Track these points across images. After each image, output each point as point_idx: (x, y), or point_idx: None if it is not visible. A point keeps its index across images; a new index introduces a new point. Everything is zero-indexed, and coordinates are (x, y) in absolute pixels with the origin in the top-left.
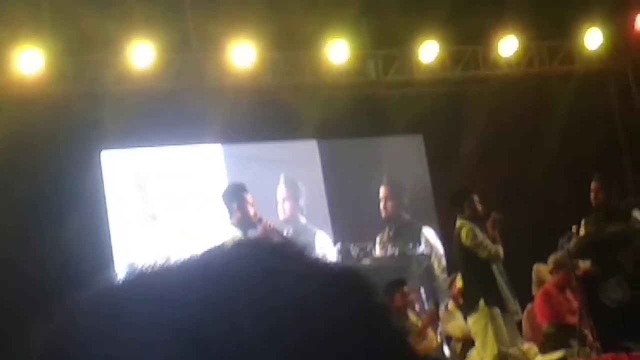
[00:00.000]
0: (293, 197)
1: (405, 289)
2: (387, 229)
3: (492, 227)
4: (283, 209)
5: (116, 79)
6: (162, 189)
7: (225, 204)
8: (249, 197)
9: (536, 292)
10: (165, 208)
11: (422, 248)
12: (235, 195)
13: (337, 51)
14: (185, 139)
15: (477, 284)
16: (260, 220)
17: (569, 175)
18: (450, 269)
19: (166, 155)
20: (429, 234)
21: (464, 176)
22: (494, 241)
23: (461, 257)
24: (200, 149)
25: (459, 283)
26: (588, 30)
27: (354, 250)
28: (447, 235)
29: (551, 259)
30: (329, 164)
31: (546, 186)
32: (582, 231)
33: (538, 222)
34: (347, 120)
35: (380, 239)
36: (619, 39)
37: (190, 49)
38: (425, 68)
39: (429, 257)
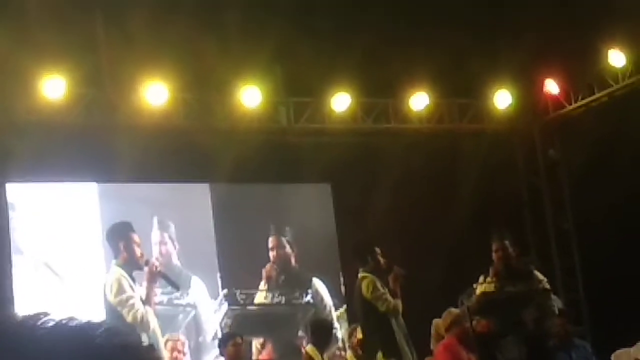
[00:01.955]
0: (167, 240)
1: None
2: (274, 277)
3: (394, 282)
4: (159, 252)
5: (26, 110)
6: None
7: (110, 243)
8: (135, 237)
9: (434, 346)
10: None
11: (308, 297)
12: (122, 234)
13: (250, 96)
14: (90, 176)
15: (376, 336)
16: (147, 262)
17: (474, 231)
18: (351, 320)
19: (68, 191)
20: (319, 285)
21: (370, 228)
22: (394, 295)
23: (361, 308)
24: (105, 187)
25: (359, 334)
26: (497, 90)
27: (241, 296)
28: (351, 285)
29: (445, 315)
30: (221, 208)
31: (452, 241)
32: (480, 288)
33: (442, 278)
34: (256, 165)
35: (265, 287)
36: (527, 101)
37: (103, 85)
38: (337, 118)
39: (315, 306)
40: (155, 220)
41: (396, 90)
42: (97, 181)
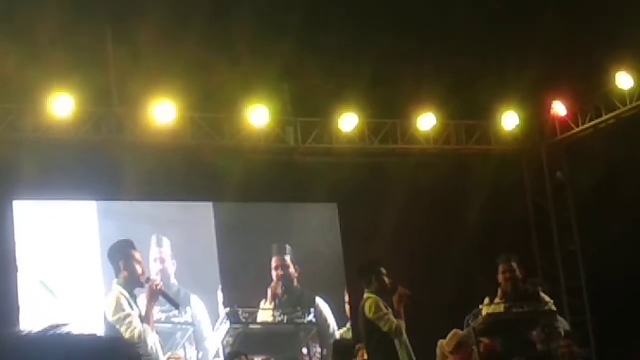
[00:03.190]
0: (165, 257)
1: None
2: (276, 296)
3: (398, 302)
4: (158, 270)
5: (34, 128)
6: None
7: (111, 262)
8: (137, 255)
9: None
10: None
11: (311, 317)
12: (122, 252)
13: (257, 115)
14: (96, 194)
15: (379, 357)
16: (147, 279)
17: (481, 252)
18: (356, 340)
19: (69, 208)
20: (322, 304)
21: (376, 247)
22: (397, 315)
23: (364, 329)
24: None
25: (364, 354)
26: (505, 112)
27: (243, 315)
28: (356, 305)
29: (450, 335)
30: (224, 226)
31: (459, 262)
32: (486, 309)
33: (448, 298)
34: (263, 184)
35: (267, 305)
36: (534, 122)
37: (111, 102)
38: (344, 138)
39: (317, 325)
40: (153, 237)
41: (403, 110)
42: (103, 199)
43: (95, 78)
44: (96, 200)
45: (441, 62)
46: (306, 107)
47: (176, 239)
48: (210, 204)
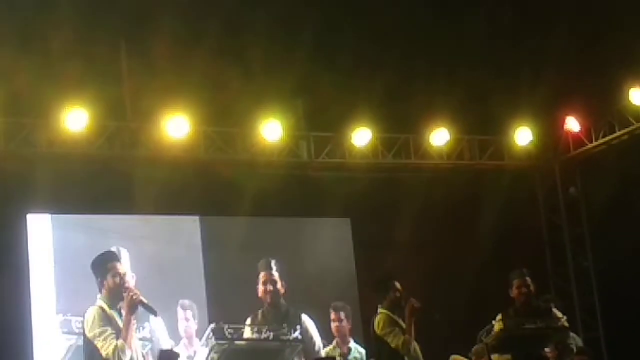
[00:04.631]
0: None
1: None
2: (262, 312)
3: (409, 314)
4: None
5: (48, 142)
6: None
7: (95, 276)
8: (118, 266)
9: None
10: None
11: (297, 334)
12: (101, 267)
13: (271, 130)
14: (112, 208)
15: None
16: (126, 289)
17: (494, 267)
18: (369, 355)
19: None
20: (307, 321)
21: (389, 262)
22: (408, 329)
23: (374, 345)
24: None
25: None
26: (518, 127)
27: (228, 331)
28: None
29: (473, 351)
30: (212, 241)
31: (472, 277)
32: (498, 325)
33: (460, 313)
34: (276, 199)
35: (253, 321)
36: (548, 138)
37: (125, 117)
38: (357, 153)
39: (303, 342)
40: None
41: (417, 125)
42: (118, 213)
43: (109, 92)
44: (110, 214)
45: (454, 77)
46: (320, 122)
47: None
48: (197, 217)
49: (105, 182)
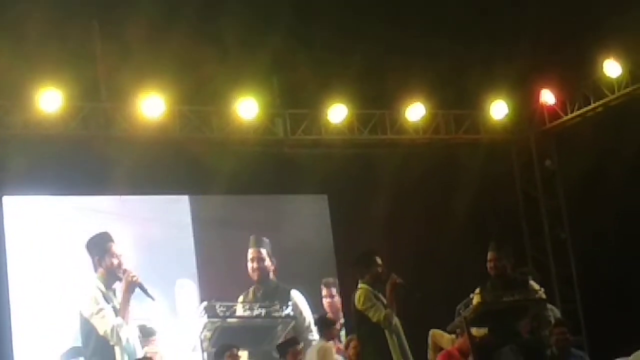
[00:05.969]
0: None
1: (298, 347)
2: (253, 289)
3: (390, 290)
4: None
5: (23, 124)
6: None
7: (90, 256)
8: (114, 247)
9: (432, 357)
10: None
11: (289, 310)
12: (98, 247)
13: (246, 108)
14: (89, 189)
15: (370, 347)
16: (124, 271)
17: (471, 241)
18: (349, 331)
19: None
20: (297, 297)
21: (367, 238)
22: (389, 303)
23: (355, 320)
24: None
25: (356, 345)
26: (494, 101)
27: (220, 309)
28: (348, 295)
29: (451, 325)
30: (202, 220)
31: (449, 251)
32: (476, 299)
33: (439, 288)
34: (252, 177)
35: (245, 299)
36: (523, 111)
37: (99, 97)
38: (333, 129)
39: (295, 318)
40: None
41: (392, 101)
42: (93, 194)
43: (83, 73)
44: (86, 195)
45: (429, 52)
46: (295, 99)
47: (157, 233)
48: (187, 197)
49: (81, 163)
